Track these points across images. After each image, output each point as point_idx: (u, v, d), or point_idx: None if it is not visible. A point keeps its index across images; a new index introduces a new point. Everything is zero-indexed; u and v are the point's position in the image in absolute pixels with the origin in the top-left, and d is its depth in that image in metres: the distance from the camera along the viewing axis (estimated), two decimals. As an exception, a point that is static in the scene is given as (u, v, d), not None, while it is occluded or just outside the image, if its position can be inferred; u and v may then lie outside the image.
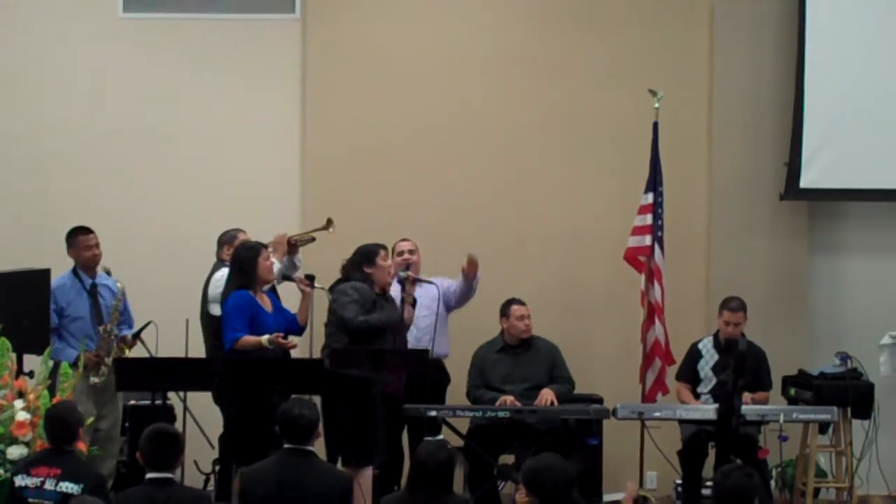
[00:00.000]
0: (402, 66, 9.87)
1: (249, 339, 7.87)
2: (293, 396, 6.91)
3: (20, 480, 6.30)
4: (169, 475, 5.98)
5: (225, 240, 8.88)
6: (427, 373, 8.53)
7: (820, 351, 9.51)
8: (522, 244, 9.72)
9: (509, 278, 9.28)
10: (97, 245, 8.51)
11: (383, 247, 8.48)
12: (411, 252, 8.96)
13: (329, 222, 8.87)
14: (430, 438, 6.43)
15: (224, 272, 8.39)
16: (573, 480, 5.67)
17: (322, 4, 9.91)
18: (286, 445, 6.29)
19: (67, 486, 6.22)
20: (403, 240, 9.02)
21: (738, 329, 8.80)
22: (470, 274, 8.96)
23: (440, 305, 8.87)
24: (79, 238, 8.51)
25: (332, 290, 8.37)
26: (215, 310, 8.42)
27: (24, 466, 6.41)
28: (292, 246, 8.73)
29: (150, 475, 5.98)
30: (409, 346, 8.63)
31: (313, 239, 8.94)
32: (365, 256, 8.36)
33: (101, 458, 8.08)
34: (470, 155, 9.87)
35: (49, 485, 6.23)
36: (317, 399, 8.18)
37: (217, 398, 8.32)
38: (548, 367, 8.90)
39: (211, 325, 8.55)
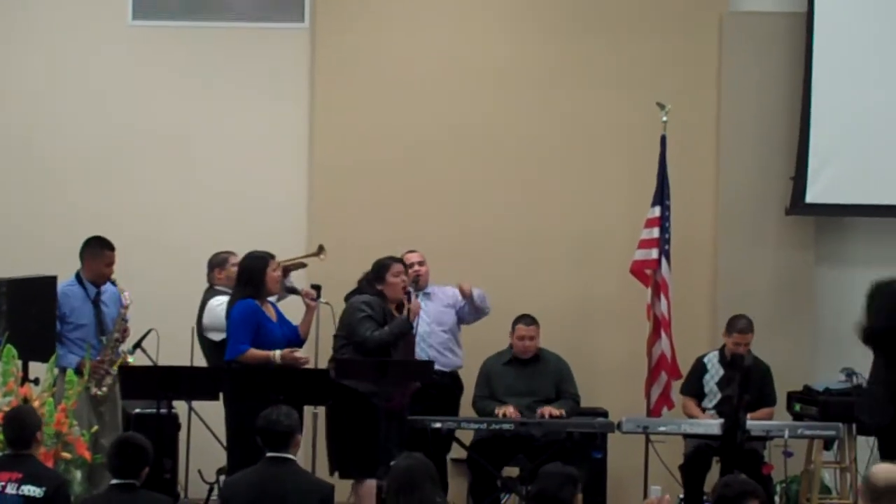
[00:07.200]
0: (410, 76, 9.86)
1: (257, 353, 7.79)
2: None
3: None
4: (132, 481, 6.01)
5: (216, 262, 8.80)
6: (437, 384, 8.53)
7: (825, 366, 9.47)
8: (530, 256, 9.71)
9: (516, 290, 9.27)
10: (114, 262, 8.43)
11: (397, 260, 8.37)
12: (420, 264, 8.93)
13: (321, 249, 8.79)
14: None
15: (221, 300, 8.31)
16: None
17: (331, 13, 9.89)
18: (267, 454, 6.28)
19: (29, 490, 6.19)
20: (411, 251, 8.96)
21: (747, 348, 8.80)
22: (465, 294, 9.00)
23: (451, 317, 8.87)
24: (105, 253, 8.37)
25: (346, 299, 8.33)
26: (214, 336, 8.44)
27: None
28: (284, 270, 8.59)
29: (113, 481, 6.05)
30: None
31: (304, 265, 8.89)
32: (376, 273, 8.25)
33: (103, 467, 8.07)
34: (478, 166, 9.85)
35: (10, 489, 6.19)
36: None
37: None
38: (555, 381, 8.88)
39: (209, 350, 8.56)
